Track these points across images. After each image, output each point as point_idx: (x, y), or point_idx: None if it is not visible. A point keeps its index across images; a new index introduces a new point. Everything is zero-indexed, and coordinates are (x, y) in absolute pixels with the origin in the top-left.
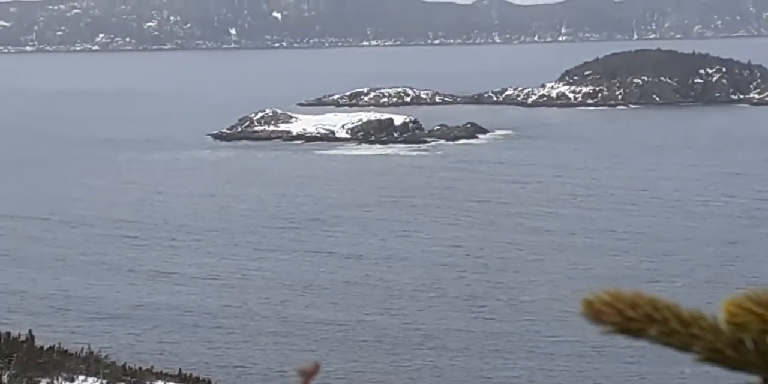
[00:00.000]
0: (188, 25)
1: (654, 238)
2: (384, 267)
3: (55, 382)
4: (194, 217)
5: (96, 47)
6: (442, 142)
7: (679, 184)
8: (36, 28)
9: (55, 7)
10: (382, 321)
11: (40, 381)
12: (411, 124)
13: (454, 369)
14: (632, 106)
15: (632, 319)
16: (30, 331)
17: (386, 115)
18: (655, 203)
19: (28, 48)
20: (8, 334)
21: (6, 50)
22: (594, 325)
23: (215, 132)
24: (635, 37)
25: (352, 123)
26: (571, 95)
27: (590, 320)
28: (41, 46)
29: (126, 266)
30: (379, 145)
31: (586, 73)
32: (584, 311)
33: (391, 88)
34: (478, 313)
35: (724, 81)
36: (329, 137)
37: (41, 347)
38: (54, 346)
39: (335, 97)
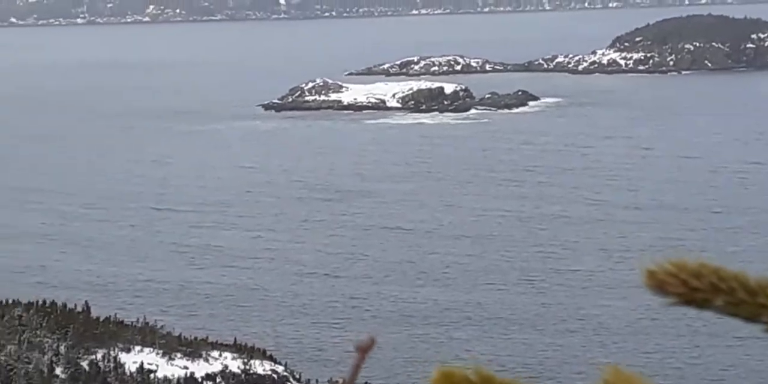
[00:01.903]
0: None
1: (705, 208)
2: (434, 240)
3: (111, 352)
4: (244, 191)
5: (146, 19)
6: (492, 110)
7: (733, 150)
8: (86, 0)
9: None
10: (434, 295)
11: (96, 352)
12: (461, 93)
13: (507, 342)
14: (683, 72)
15: (697, 289)
16: (86, 302)
17: (437, 84)
18: (707, 171)
19: (78, 20)
20: (64, 305)
21: (57, 22)
22: (657, 296)
23: (266, 102)
24: (686, 2)
25: (403, 92)
26: (622, 62)
27: (653, 291)
28: (92, 18)
29: (177, 242)
30: (429, 114)
31: (637, 39)
32: (647, 282)
33: (441, 56)
34: (528, 286)
35: None
36: (380, 106)
37: (97, 318)
38: (110, 317)
39: (385, 66)
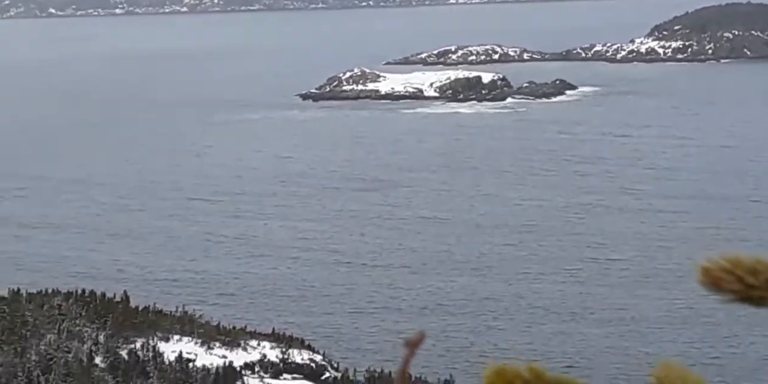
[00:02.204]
0: None
1: (744, 197)
2: (471, 230)
3: (150, 341)
4: (280, 181)
5: (184, 9)
6: (530, 99)
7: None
8: None
9: None
10: (471, 284)
11: (135, 340)
12: (499, 82)
13: (545, 332)
14: (722, 60)
15: (753, 286)
16: (125, 291)
17: (474, 73)
18: (746, 160)
19: (117, 10)
20: (103, 295)
21: (96, 13)
22: (712, 293)
23: (304, 92)
24: None
25: (440, 81)
26: (660, 50)
27: (708, 288)
28: (130, 8)
29: (214, 232)
30: (467, 103)
31: (676, 27)
32: (702, 279)
33: (478, 45)
34: (566, 275)
35: None
36: (417, 96)
37: (136, 308)
38: (148, 306)
39: (423, 55)
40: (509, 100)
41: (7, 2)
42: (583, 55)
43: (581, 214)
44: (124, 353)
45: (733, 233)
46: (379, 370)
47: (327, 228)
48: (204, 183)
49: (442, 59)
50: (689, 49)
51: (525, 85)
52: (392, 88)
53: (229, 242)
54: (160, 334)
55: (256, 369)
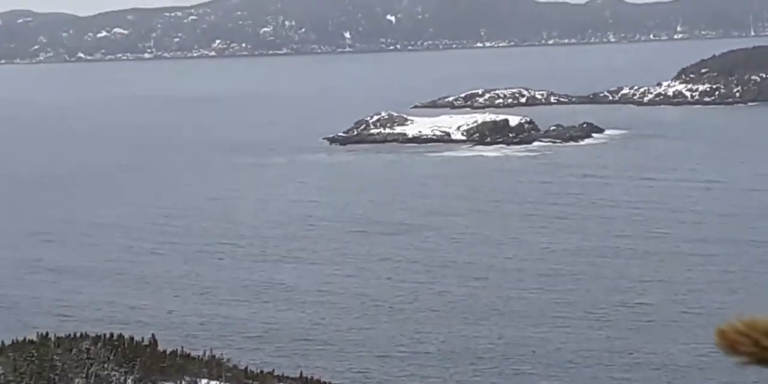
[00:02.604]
0: (303, 29)
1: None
2: (497, 274)
3: None
4: (307, 225)
5: (212, 53)
6: (557, 142)
7: None
8: (153, 35)
9: (172, 14)
10: (499, 329)
11: None
12: (526, 125)
13: (574, 377)
14: (750, 103)
15: None
16: (153, 335)
17: (501, 116)
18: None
19: (146, 55)
20: (131, 338)
21: (125, 57)
22: (729, 356)
23: (331, 135)
24: (752, 33)
25: (468, 125)
26: (687, 93)
27: (725, 351)
28: (159, 52)
29: (240, 277)
30: (494, 147)
31: (703, 70)
32: (718, 342)
33: (505, 88)
34: (594, 320)
35: None
36: (445, 139)
37: (164, 351)
38: (176, 350)
39: (450, 98)
40: (536, 143)
41: (36, 47)
42: (611, 98)
43: (608, 258)
44: None
45: (760, 277)
46: None
47: (353, 272)
48: (230, 226)
49: (469, 102)
50: (716, 93)
51: (552, 128)
52: (419, 132)
53: (255, 286)
54: (188, 378)
55: None
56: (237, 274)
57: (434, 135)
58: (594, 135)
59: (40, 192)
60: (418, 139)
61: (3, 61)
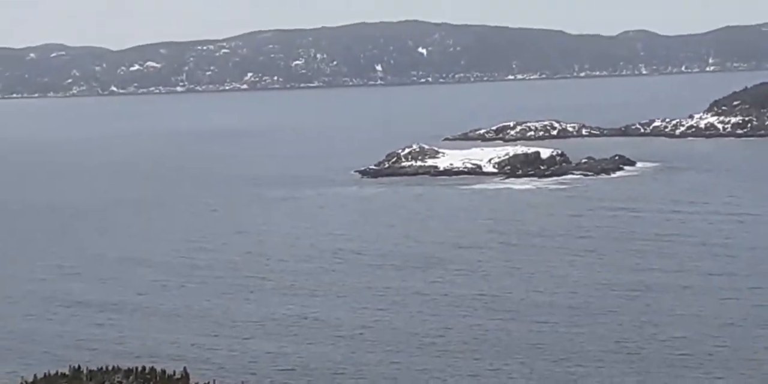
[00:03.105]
0: (334, 62)
1: None
2: (528, 309)
3: None
4: (336, 259)
5: (244, 86)
6: (589, 175)
7: None
8: (186, 68)
9: (204, 48)
10: (530, 364)
11: None
12: (558, 157)
13: None
14: None
15: None
16: (185, 368)
17: (533, 149)
18: None
19: (178, 88)
20: (163, 371)
21: (157, 90)
22: None
23: (363, 168)
24: None
25: (499, 157)
26: (719, 126)
27: None
28: (191, 85)
29: (270, 311)
30: (525, 179)
31: (735, 103)
32: None
33: (537, 121)
34: (625, 354)
35: None
36: (476, 172)
37: None
38: (208, 383)
39: (481, 131)
40: (568, 176)
41: (69, 81)
42: (642, 130)
43: (639, 292)
44: None
45: None
46: None
47: (384, 305)
48: (260, 260)
49: (500, 135)
50: (748, 125)
51: (584, 160)
52: (451, 164)
53: (285, 319)
54: None
55: None
56: (267, 307)
57: (465, 167)
58: (626, 167)
59: (72, 225)
60: (449, 172)
61: (37, 95)
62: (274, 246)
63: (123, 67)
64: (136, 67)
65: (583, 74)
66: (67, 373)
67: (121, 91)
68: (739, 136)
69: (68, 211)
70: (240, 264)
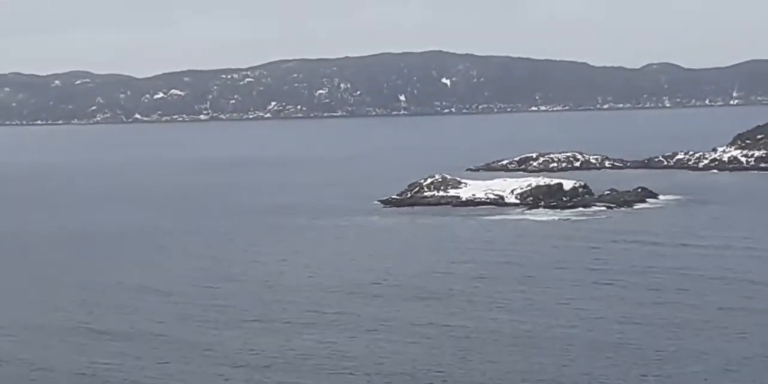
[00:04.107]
0: (358, 92)
1: None
2: (544, 344)
3: None
4: (355, 291)
5: (268, 115)
6: (611, 207)
7: None
8: (210, 96)
9: (228, 76)
10: None
11: None
12: (580, 189)
13: None
14: None
15: None
16: None
17: (555, 180)
18: None
19: (202, 116)
20: None
21: (181, 118)
22: None
23: (385, 198)
24: None
25: (521, 188)
26: (743, 159)
27: None
28: (215, 114)
29: (287, 345)
30: (547, 210)
31: (759, 136)
32: None
33: (560, 152)
34: None
35: None
36: (498, 202)
37: None
38: None
39: (504, 162)
40: (591, 207)
41: (94, 108)
42: (665, 163)
43: (658, 327)
44: None
45: None
46: None
47: (400, 337)
48: (277, 291)
49: (523, 166)
50: None
51: (606, 192)
52: (473, 195)
53: (303, 351)
54: None
55: None
56: (286, 339)
57: (488, 198)
58: (648, 200)
59: (89, 253)
60: (471, 202)
61: (61, 122)
62: (291, 276)
63: (147, 95)
64: (160, 95)
65: (606, 106)
66: None
67: (145, 118)
68: (763, 169)
69: (86, 238)
70: (258, 294)
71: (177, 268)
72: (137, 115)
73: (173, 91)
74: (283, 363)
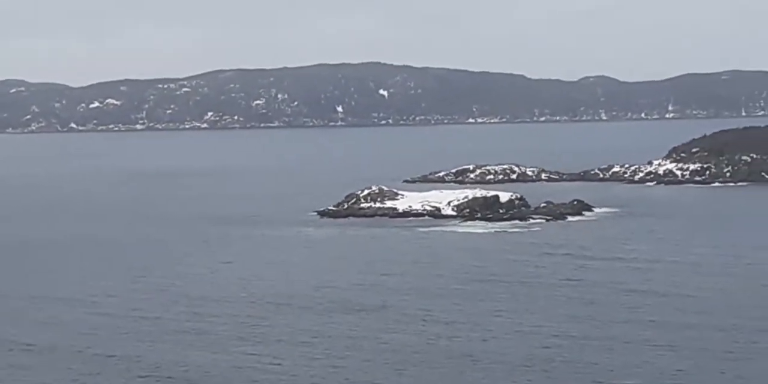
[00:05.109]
0: (296, 103)
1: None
2: (470, 365)
3: None
4: (278, 303)
5: (205, 125)
6: (547, 219)
7: None
8: (146, 106)
9: (165, 86)
10: None
11: None
12: (517, 201)
13: None
14: (740, 183)
15: None
16: None
17: (492, 192)
18: (761, 286)
19: (138, 126)
20: None
21: (117, 128)
22: None
23: (321, 209)
24: (743, 113)
25: (458, 200)
26: (678, 172)
27: None
28: (151, 124)
29: (210, 360)
30: (483, 223)
31: (694, 150)
32: None
33: (497, 165)
34: None
35: None
36: (435, 214)
37: None
38: None
39: (441, 174)
40: (527, 220)
41: (28, 117)
42: (601, 175)
43: (590, 342)
44: None
45: (737, 365)
46: None
47: (333, 351)
48: (211, 303)
49: (460, 178)
50: (707, 172)
51: (543, 205)
52: (410, 206)
53: (235, 364)
54: None
55: None
56: (217, 352)
57: (424, 210)
58: (584, 212)
59: (17, 264)
60: (407, 214)
61: None
62: (224, 288)
63: (83, 104)
64: (96, 104)
65: (543, 119)
66: None
67: (80, 128)
68: (697, 182)
69: (12, 251)
70: (188, 306)
71: (108, 278)
72: (73, 125)
73: (109, 100)
74: (215, 375)
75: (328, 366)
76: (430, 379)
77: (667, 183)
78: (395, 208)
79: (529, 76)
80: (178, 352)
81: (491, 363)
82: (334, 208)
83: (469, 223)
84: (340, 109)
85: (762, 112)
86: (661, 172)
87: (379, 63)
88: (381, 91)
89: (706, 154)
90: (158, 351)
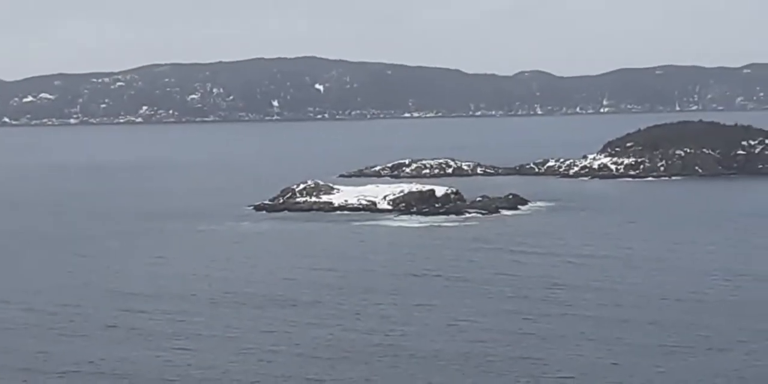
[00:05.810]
0: (231, 97)
1: (687, 323)
2: (403, 360)
3: None
4: (210, 299)
5: (139, 119)
6: (483, 213)
7: (722, 260)
8: (80, 100)
9: (99, 80)
10: None
11: None
12: (452, 196)
13: None
14: (674, 177)
15: None
16: None
17: (428, 187)
18: (692, 282)
19: (72, 120)
20: None
21: (50, 122)
22: None
23: (257, 203)
24: (677, 108)
25: (394, 194)
26: (612, 167)
27: None
28: (85, 118)
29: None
30: (419, 217)
31: (628, 144)
32: None
33: (432, 159)
34: None
35: (767, 152)
36: (370, 208)
37: None
38: None
39: (377, 168)
40: (462, 214)
41: None
42: (536, 170)
43: (523, 337)
44: None
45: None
46: None
47: (265, 347)
48: (142, 298)
49: (396, 172)
50: (641, 166)
51: (478, 199)
52: (345, 201)
53: (167, 359)
54: None
55: None
56: (148, 348)
57: (360, 204)
58: (520, 207)
59: None
60: (343, 208)
61: None
62: (156, 283)
63: (16, 98)
64: (30, 98)
65: (479, 113)
66: None
67: (13, 122)
68: (632, 177)
69: None
70: (119, 301)
71: (39, 274)
72: (5, 119)
73: (43, 94)
74: (147, 371)
75: (262, 361)
76: (365, 374)
77: (601, 177)
78: (331, 203)
79: (465, 71)
80: (109, 347)
81: (426, 357)
82: (269, 203)
83: (404, 217)
84: (275, 103)
85: (696, 107)
86: (595, 166)
87: (314, 57)
88: (317, 86)
89: (640, 148)
90: (90, 347)
